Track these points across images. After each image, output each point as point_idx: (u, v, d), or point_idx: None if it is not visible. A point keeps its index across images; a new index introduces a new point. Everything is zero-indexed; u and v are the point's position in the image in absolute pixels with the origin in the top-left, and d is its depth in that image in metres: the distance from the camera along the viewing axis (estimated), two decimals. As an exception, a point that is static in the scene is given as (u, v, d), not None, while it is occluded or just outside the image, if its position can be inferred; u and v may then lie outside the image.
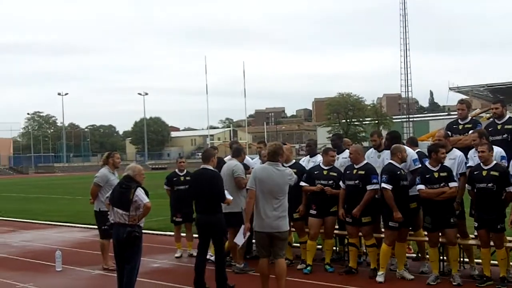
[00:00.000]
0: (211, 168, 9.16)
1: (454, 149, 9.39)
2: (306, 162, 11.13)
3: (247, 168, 10.63)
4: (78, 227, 17.79)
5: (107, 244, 10.31)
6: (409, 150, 9.67)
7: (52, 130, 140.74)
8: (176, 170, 12.17)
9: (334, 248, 10.88)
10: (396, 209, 8.91)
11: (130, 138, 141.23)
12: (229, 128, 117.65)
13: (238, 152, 10.77)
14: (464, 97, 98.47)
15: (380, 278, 9.09)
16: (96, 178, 10.67)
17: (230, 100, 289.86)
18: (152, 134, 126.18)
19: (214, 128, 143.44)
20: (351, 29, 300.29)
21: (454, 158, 9.21)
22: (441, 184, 8.70)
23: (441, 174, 8.75)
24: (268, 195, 7.90)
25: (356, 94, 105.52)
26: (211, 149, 10.09)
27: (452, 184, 8.69)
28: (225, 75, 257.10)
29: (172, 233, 12.52)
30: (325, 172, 10.07)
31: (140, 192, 7.81)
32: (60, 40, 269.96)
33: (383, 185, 9.04)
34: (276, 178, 7.97)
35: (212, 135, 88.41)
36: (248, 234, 8.47)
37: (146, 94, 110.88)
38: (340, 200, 9.72)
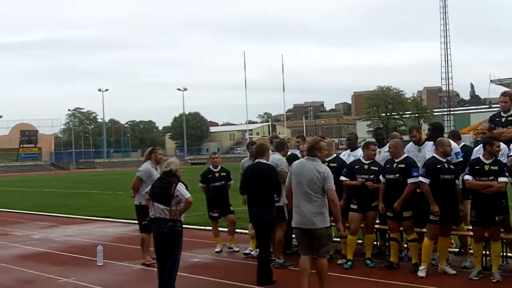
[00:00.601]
0: (265, 161, 9.29)
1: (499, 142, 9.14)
2: (347, 156, 11.02)
3: None
4: (118, 222, 17.95)
5: (148, 238, 10.32)
6: (451, 143, 9.49)
7: (92, 126, 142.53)
8: (210, 166, 12.08)
9: (375, 242, 10.74)
10: (433, 203, 8.79)
11: (169, 134, 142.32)
12: (267, 123, 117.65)
13: (281, 146, 10.71)
14: (506, 89, 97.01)
15: (421, 273, 8.94)
16: (139, 172, 10.69)
17: (269, 94, 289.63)
18: (191, 129, 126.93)
19: (253, 122, 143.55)
20: (390, 21, 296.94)
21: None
22: (490, 178, 8.47)
23: (492, 167, 8.53)
24: (303, 190, 7.76)
25: (396, 87, 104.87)
26: (266, 144, 10.16)
27: (501, 179, 8.44)
28: (263, 69, 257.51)
29: (211, 228, 12.52)
30: (366, 166, 9.97)
31: (181, 187, 7.83)
32: (101, 36, 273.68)
33: (420, 178, 8.97)
34: (311, 173, 7.78)
35: (250, 130, 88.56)
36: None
37: (185, 89, 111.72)
38: (381, 195, 9.59)
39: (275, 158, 10.19)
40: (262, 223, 9.03)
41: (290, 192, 7.96)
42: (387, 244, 10.28)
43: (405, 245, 10.20)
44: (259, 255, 9.18)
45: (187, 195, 7.84)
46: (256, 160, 9.44)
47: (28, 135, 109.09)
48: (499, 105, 10.03)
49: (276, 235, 9.85)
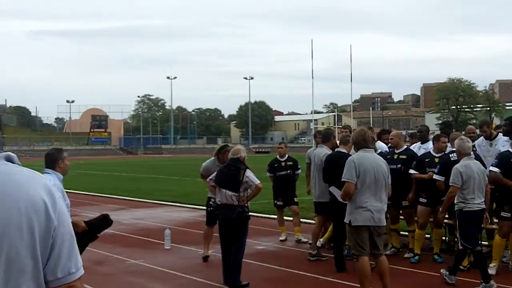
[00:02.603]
0: (345, 151, 9.19)
1: None
2: (417, 148, 10.82)
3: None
4: (185, 207, 18.18)
5: (211, 231, 10.17)
6: None
7: (160, 113, 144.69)
8: (277, 156, 12.07)
9: (444, 238, 10.57)
10: (510, 183, 8.50)
11: (234, 122, 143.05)
12: (333, 113, 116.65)
13: (327, 137, 10.52)
14: None
15: (492, 270, 8.62)
16: (201, 168, 10.33)
17: (335, 84, 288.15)
18: (256, 118, 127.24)
19: (318, 112, 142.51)
20: (462, 12, 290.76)
21: None
22: None
23: None
24: (373, 185, 7.32)
25: (467, 79, 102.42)
26: (347, 135, 10.02)
27: None
28: (330, 59, 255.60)
29: (276, 217, 12.54)
30: (436, 160, 9.65)
31: (250, 173, 7.90)
32: (170, 25, 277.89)
33: (491, 167, 8.66)
34: (379, 166, 7.45)
35: (316, 120, 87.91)
36: None
37: (252, 78, 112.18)
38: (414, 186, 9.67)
39: (321, 152, 10.05)
40: (332, 212, 9.13)
41: (353, 192, 7.34)
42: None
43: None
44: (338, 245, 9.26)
45: (257, 181, 7.93)
46: (336, 149, 9.56)
47: (99, 120, 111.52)
48: None
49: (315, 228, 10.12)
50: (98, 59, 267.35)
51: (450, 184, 8.32)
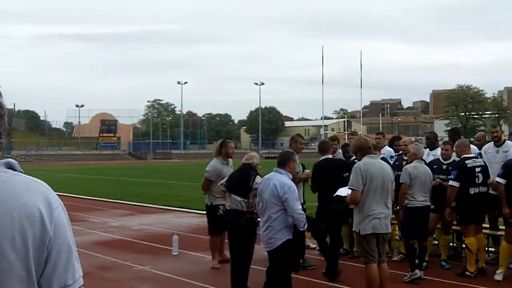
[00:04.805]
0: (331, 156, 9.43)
1: None
2: (426, 155, 10.75)
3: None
4: (194, 212, 18.07)
5: (216, 240, 10.12)
6: None
7: (170, 118, 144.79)
8: None
9: (451, 244, 10.55)
10: (505, 205, 8.65)
11: (245, 127, 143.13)
12: (343, 119, 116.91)
13: (290, 142, 10.43)
14: None
15: (498, 276, 8.72)
16: (207, 172, 9.97)
17: (345, 90, 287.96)
18: (267, 123, 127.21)
19: (328, 118, 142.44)
20: (472, 19, 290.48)
21: None
22: None
23: None
24: (379, 191, 7.32)
25: (476, 86, 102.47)
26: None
27: None
28: (341, 65, 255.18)
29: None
30: (444, 167, 9.73)
31: (260, 180, 7.83)
32: (180, 30, 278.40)
33: (497, 178, 8.80)
34: (385, 171, 7.50)
35: (326, 126, 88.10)
36: None
37: (262, 84, 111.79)
38: (448, 199, 9.35)
39: None
40: (329, 219, 8.99)
41: (359, 199, 7.34)
42: (463, 245, 10.04)
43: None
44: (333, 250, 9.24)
45: None
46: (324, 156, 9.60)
47: (108, 125, 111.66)
48: None
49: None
50: (108, 63, 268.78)
51: (400, 182, 8.89)
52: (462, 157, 9.24)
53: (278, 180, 7.04)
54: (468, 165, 9.05)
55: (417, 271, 8.81)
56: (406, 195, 8.95)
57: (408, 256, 9.14)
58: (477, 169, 9.06)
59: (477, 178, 9.03)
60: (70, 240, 1.79)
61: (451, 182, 9.09)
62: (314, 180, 9.52)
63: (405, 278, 8.79)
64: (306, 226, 7.03)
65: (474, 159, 9.18)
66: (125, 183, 33.82)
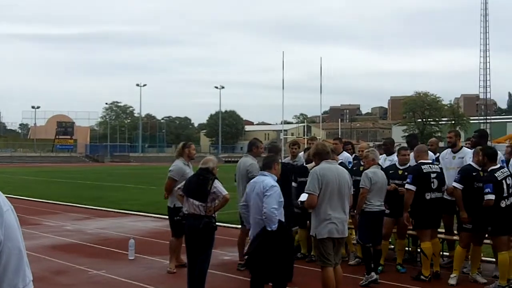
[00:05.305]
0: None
1: None
2: (383, 160, 10.90)
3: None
4: (151, 216, 17.97)
5: (176, 243, 10.01)
6: None
7: (129, 120, 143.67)
8: None
9: (407, 248, 10.71)
10: (463, 209, 8.83)
11: (204, 131, 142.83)
12: (303, 124, 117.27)
13: (249, 147, 10.38)
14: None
15: (452, 280, 8.89)
16: (171, 172, 10.11)
17: (305, 95, 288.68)
18: (227, 127, 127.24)
19: (288, 123, 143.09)
20: (429, 28, 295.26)
21: None
22: None
23: None
24: (336, 196, 7.38)
25: (433, 93, 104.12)
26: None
27: None
28: (301, 70, 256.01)
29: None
30: (400, 172, 9.89)
31: (218, 184, 7.84)
32: (141, 32, 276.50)
33: (454, 183, 8.96)
34: (347, 179, 7.60)
35: (286, 130, 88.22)
36: None
37: (223, 87, 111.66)
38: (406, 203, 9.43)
39: (246, 162, 9.99)
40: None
41: (315, 203, 7.37)
42: (419, 250, 10.17)
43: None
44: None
45: (225, 192, 7.85)
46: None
47: (65, 127, 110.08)
48: None
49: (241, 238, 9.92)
50: (65, 64, 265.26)
51: (360, 186, 9.04)
52: (418, 162, 9.36)
53: (263, 181, 7.21)
54: (424, 170, 9.18)
55: (373, 273, 8.93)
56: (365, 199, 9.06)
57: (364, 259, 9.25)
58: (433, 175, 9.18)
59: (432, 184, 9.15)
60: (21, 244, 1.75)
61: (407, 186, 9.19)
62: None
63: (361, 281, 8.87)
64: (275, 227, 7.00)
65: (430, 165, 9.30)
66: (82, 186, 33.33)
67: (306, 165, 9.99)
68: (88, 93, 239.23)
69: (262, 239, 7.05)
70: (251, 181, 7.62)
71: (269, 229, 7.00)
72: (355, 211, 9.26)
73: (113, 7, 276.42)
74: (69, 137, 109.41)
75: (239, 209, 7.71)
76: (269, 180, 7.24)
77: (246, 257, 7.85)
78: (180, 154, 10.29)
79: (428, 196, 9.12)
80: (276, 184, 7.26)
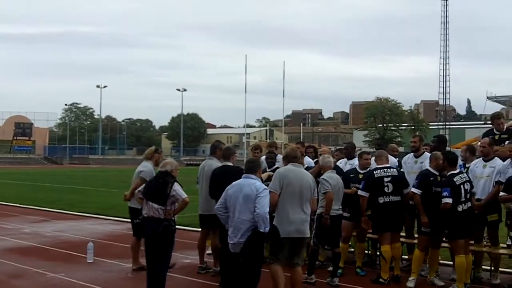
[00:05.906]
0: (231, 164, 9.33)
1: (496, 157, 9.39)
2: (344, 164, 11.02)
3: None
4: (110, 219, 17.82)
5: (139, 244, 9.95)
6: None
7: (88, 122, 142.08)
8: None
9: (366, 251, 10.84)
10: (423, 213, 8.96)
11: (166, 133, 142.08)
12: (265, 127, 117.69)
13: (213, 149, 10.35)
14: (502, 106, 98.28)
15: (410, 283, 9.01)
16: (142, 172, 9.99)
17: (268, 99, 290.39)
18: (189, 130, 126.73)
19: (251, 126, 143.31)
20: (391, 34, 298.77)
21: (494, 166, 9.23)
22: None
23: None
24: (297, 197, 7.64)
25: (394, 99, 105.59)
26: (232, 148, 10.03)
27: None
28: (264, 74, 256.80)
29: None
30: (360, 176, 10.01)
31: (177, 187, 7.80)
32: (101, 32, 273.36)
33: (413, 189, 9.14)
34: (308, 181, 7.83)
35: (248, 134, 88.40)
36: None
37: (185, 90, 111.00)
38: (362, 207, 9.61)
39: (212, 164, 9.89)
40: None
41: (276, 202, 7.58)
42: (378, 253, 10.26)
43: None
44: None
45: (184, 195, 7.81)
46: (223, 163, 9.44)
47: (23, 128, 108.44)
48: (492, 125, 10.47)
49: (213, 242, 9.81)
50: (24, 64, 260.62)
51: (322, 192, 9.00)
52: (373, 167, 9.52)
53: (254, 183, 7.22)
54: (376, 175, 9.33)
55: (313, 276, 9.11)
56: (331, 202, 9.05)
57: (310, 260, 9.33)
58: (386, 179, 9.28)
59: (386, 188, 9.26)
60: None
61: (359, 192, 9.46)
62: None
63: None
64: (267, 229, 7.01)
65: (385, 169, 9.39)
66: (40, 188, 32.87)
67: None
68: (47, 94, 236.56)
69: (256, 241, 7.05)
70: (234, 183, 7.44)
71: (262, 230, 6.99)
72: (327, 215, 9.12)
73: (75, 7, 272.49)
74: (27, 138, 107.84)
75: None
76: (260, 183, 7.33)
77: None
78: (150, 158, 10.34)
79: (381, 200, 9.26)
80: (267, 187, 7.38)
